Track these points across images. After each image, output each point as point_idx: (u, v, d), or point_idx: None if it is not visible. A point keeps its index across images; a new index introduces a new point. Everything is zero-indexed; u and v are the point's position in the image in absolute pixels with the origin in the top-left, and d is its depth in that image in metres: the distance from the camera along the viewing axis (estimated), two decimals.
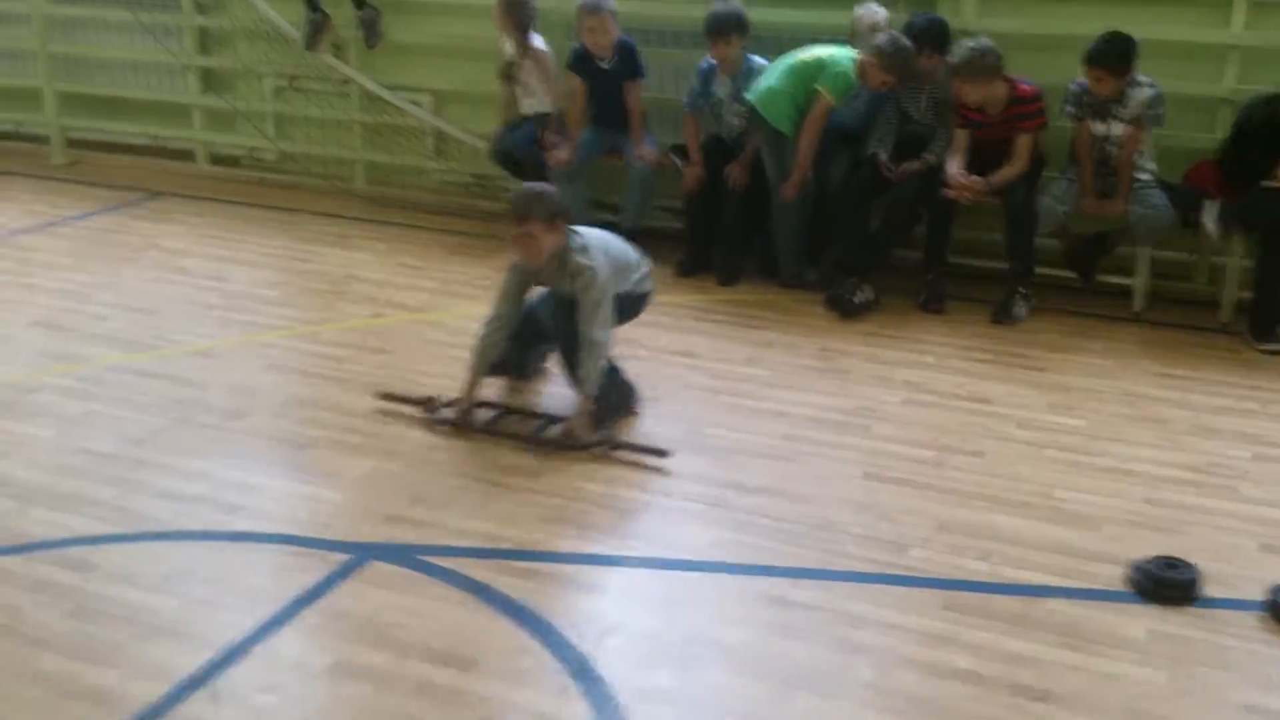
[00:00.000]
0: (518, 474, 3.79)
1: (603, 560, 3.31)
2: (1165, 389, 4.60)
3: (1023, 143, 5.24)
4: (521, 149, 6.09)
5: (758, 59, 5.70)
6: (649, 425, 4.15)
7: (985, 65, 5.10)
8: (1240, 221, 5.05)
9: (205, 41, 7.58)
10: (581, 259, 3.92)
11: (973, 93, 5.15)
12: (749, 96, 5.49)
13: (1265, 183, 5.01)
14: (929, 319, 5.33)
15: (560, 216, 3.93)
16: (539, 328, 4.23)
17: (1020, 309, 5.30)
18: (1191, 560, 3.27)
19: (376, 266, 5.87)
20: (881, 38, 5.26)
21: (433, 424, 4.04)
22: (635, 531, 3.48)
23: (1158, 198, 5.14)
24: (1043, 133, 5.32)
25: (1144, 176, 5.22)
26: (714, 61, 5.72)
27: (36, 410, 4.11)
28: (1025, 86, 5.21)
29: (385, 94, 6.97)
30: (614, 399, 4.14)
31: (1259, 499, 3.75)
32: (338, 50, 7.09)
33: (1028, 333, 5.19)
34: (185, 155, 7.77)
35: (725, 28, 5.57)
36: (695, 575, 3.25)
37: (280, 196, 7.18)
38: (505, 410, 4.17)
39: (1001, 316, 5.27)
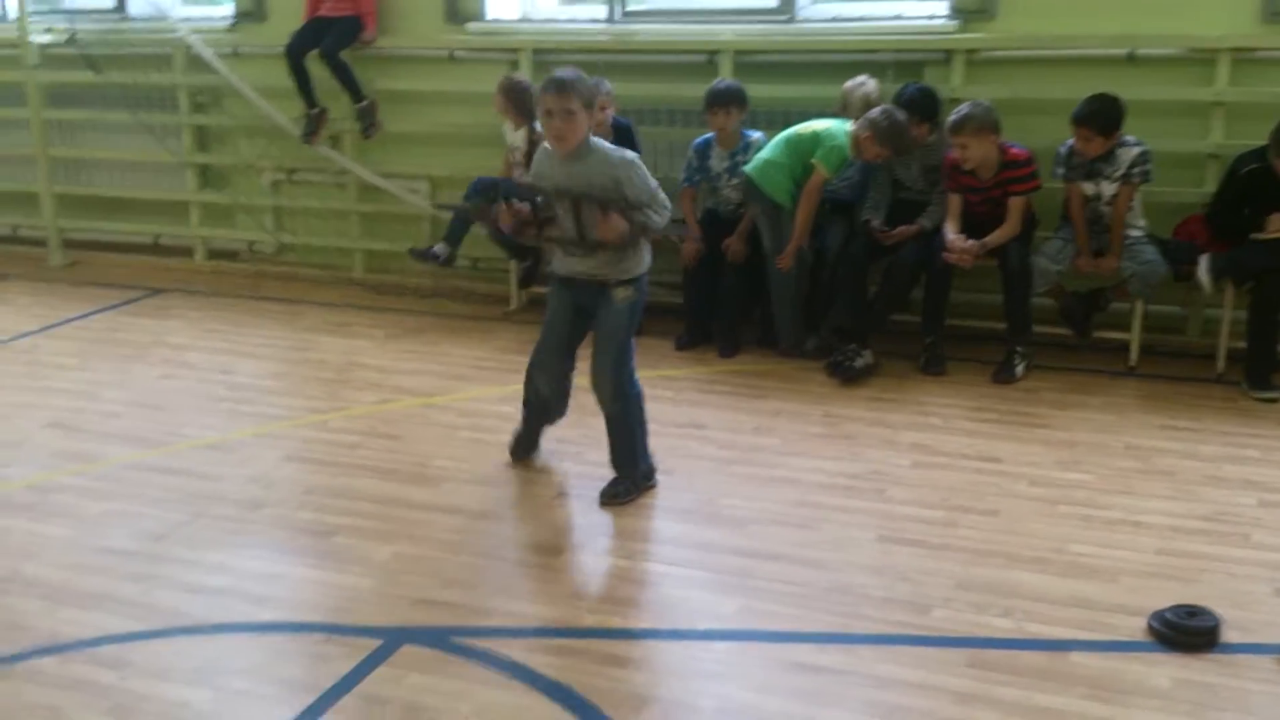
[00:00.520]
0: (542, 552, 3.84)
1: (633, 634, 3.33)
2: (1169, 440, 4.67)
3: (1015, 205, 5.35)
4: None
5: (754, 133, 5.85)
6: (664, 497, 4.20)
7: (988, 121, 5.24)
8: (1231, 273, 5.15)
9: (203, 139, 7.70)
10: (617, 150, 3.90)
11: (975, 149, 5.25)
12: (746, 169, 5.61)
13: (1254, 235, 5.13)
14: (930, 381, 5.41)
15: (595, 105, 3.95)
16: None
17: (1020, 368, 5.39)
18: (1210, 607, 3.31)
19: (379, 353, 5.94)
20: (876, 112, 5.39)
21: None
22: (661, 603, 3.51)
23: (1150, 253, 5.26)
24: (1034, 194, 5.44)
25: (1135, 233, 5.34)
26: (710, 136, 5.86)
27: (55, 510, 4.13)
28: (1016, 150, 5.34)
29: (382, 183, 7.09)
30: (643, 468, 4.22)
31: (1270, 545, 3.80)
32: (335, 142, 7.23)
33: (1028, 391, 5.27)
34: (183, 252, 7.87)
35: (725, 100, 5.71)
36: (723, 645, 3.28)
37: (279, 288, 7.28)
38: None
39: (1002, 376, 5.35)
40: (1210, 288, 5.17)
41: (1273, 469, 4.39)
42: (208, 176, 7.76)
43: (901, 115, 5.41)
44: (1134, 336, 5.50)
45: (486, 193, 6.09)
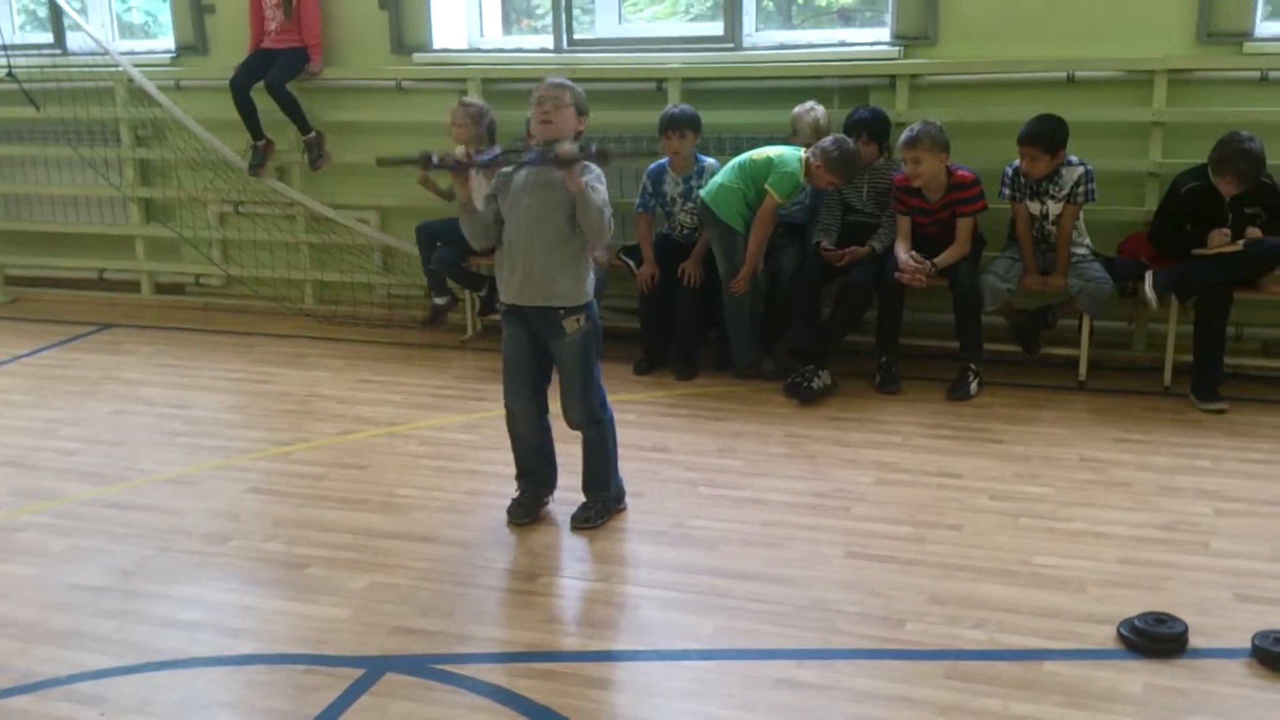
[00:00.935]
0: (518, 578, 3.84)
1: (615, 656, 3.35)
2: (1123, 453, 4.78)
3: (963, 226, 5.47)
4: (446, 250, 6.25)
5: (708, 159, 5.92)
6: (635, 520, 4.23)
7: (941, 139, 5.36)
8: (1176, 288, 5.29)
9: (146, 172, 7.63)
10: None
11: (927, 164, 5.35)
12: (701, 193, 5.68)
13: (1196, 251, 5.28)
14: (886, 400, 5.50)
15: (583, 114, 4.02)
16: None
17: (973, 385, 5.49)
18: (1176, 614, 3.40)
19: (337, 383, 5.91)
20: (827, 141, 5.48)
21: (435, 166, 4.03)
22: (640, 625, 3.53)
23: (1097, 270, 5.39)
24: (981, 215, 5.55)
25: (1081, 251, 5.48)
26: (664, 162, 5.92)
27: (20, 549, 4.07)
28: (963, 172, 5.46)
29: (331, 213, 7.07)
30: (614, 490, 4.25)
31: (1228, 552, 3.91)
32: (282, 173, 7.20)
33: (982, 407, 5.38)
34: (129, 286, 7.80)
35: (680, 124, 5.78)
36: (704, 664, 3.30)
37: (230, 321, 7.23)
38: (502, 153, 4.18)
39: (956, 394, 5.45)
40: (1156, 303, 5.30)
41: (1225, 478, 4.51)
42: (152, 210, 7.69)
43: (851, 144, 5.51)
44: (1082, 352, 5.63)
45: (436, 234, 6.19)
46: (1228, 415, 5.19)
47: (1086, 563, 3.83)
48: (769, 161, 5.52)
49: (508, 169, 4.01)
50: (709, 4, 7.00)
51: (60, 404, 5.65)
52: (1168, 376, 5.56)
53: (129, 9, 8.26)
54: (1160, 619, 3.38)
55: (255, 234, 7.33)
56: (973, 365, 5.54)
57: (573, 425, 4.14)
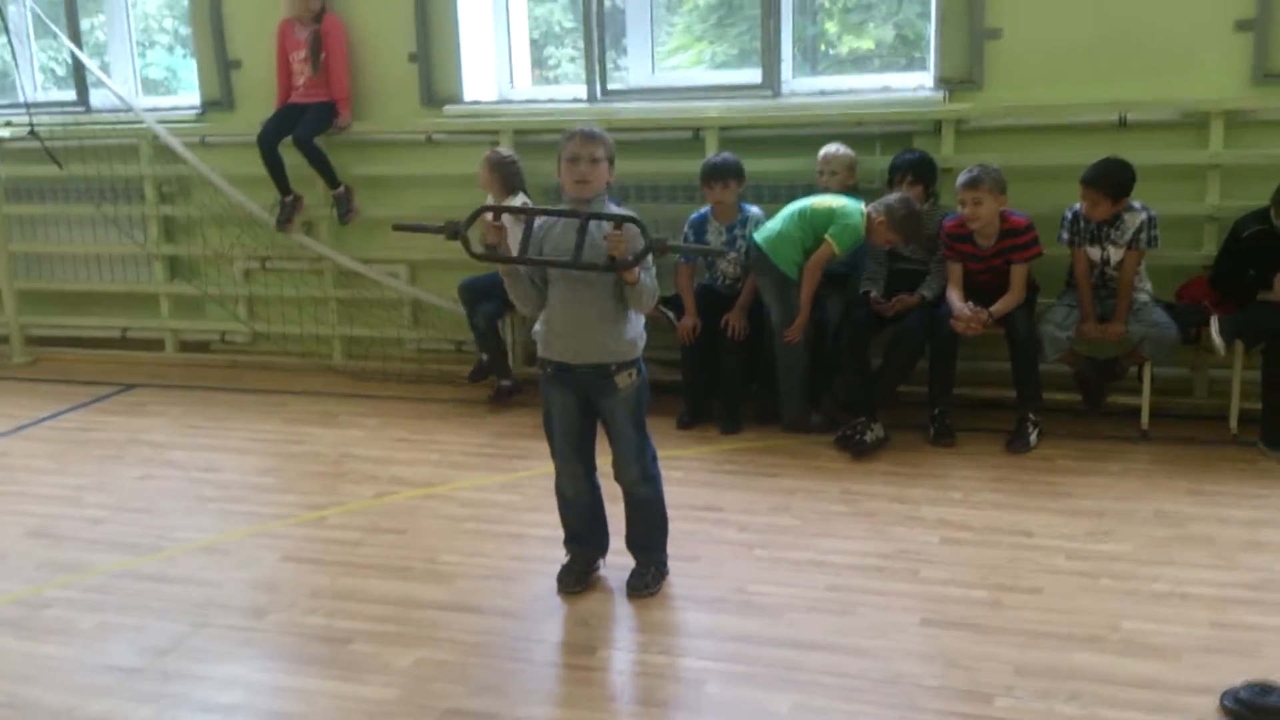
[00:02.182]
0: (573, 651, 3.63)
1: None
2: (1198, 506, 4.57)
3: (1019, 273, 5.28)
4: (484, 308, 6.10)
5: (752, 208, 5.76)
6: (691, 586, 4.02)
7: (1001, 181, 5.21)
8: (1244, 334, 5.10)
9: (170, 229, 7.51)
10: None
11: (988, 205, 5.19)
12: (756, 237, 5.50)
13: (1263, 296, 5.09)
14: (942, 452, 5.30)
15: (613, 164, 3.80)
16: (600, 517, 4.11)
17: (1032, 436, 5.29)
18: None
19: (371, 443, 5.73)
20: (894, 198, 5.33)
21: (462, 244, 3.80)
22: (710, 704, 3.30)
23: (1159, 315, 5.21)
24: (1035, 261, 5.37)
25: (1142, 297, 5.30)
26: (706, 211, 5.77)
27: (48, 627, 3.87)
28: (1017, 218, 5.28)
29: (361, 268, 6.93)
30: (660, 546, 4.08)
31: None
32: (309, 228, 7.07)
33: (1044, 459, 5.17)
34: (153, 345, 7.65)
35: (724, 173, 5.63)
36: None
37: (256, 379, 7.06)
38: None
39: (1016, 445, 5.25)
40: (1224, 349, 5.10)
41: None
42: (176, 267, 7.55)
43: (917, 205, 5.35)
44: (1144, 401, 5.42)
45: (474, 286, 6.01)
46: None
47: (1177, 627, 3.61)
48: (831, 212, 5.36)
49: (538, 226, 3.83)
50: (735, 52, 6.88)
51: (86, 469, 5.48)
52: (1234, 424, 5.36)
53: (148, 64, 8.17)
54: (1266, 689, 3.16)
55: (282, 290, 7.18)
56: (1032, 416, 5.33)
57: (627, 484, 3.95)
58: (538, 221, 3.86)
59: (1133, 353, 5.36)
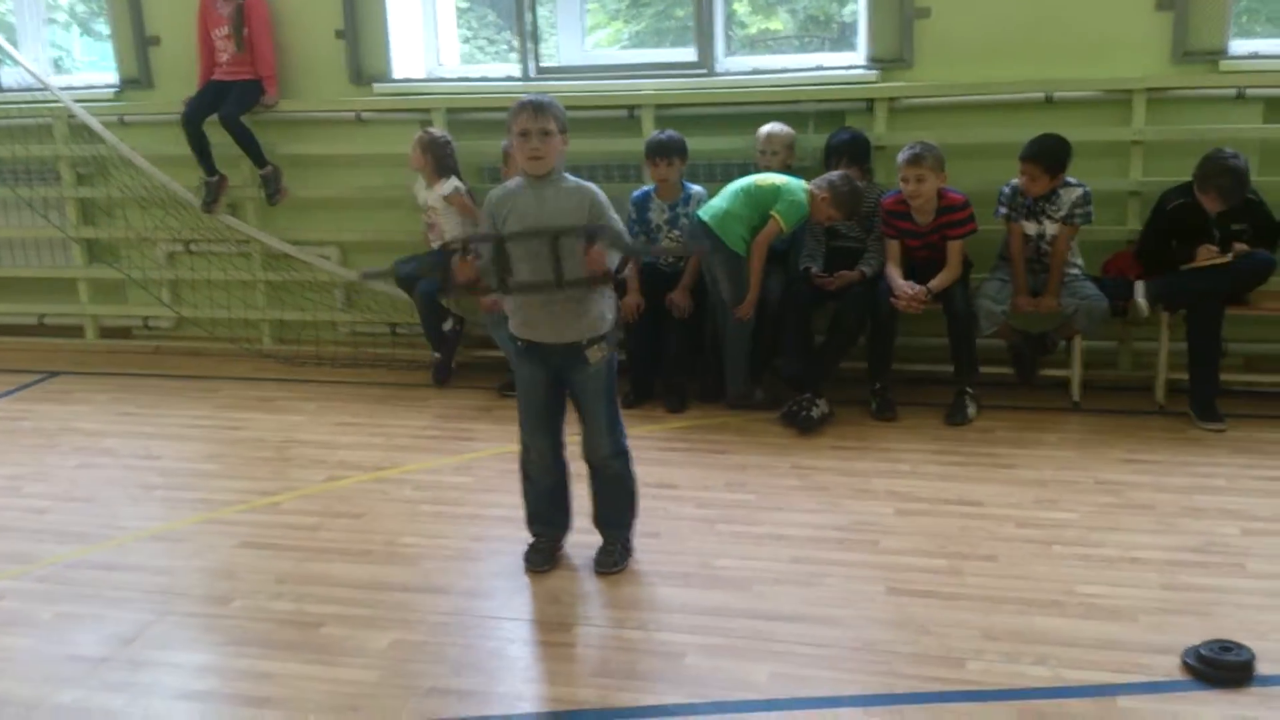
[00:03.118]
0: (548, 629, 3.65)
1: (672, 711, 3.17)
2: (1135, 474, 4.73)
3: (955, 249, 5.40)
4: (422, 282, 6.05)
5: (695, 186, 5.80)
6: (657, 562, 4.06)
7: (941, 159, 5.31)
8: (1166, 297, 5.27)
9: (89, 211, 7.31)
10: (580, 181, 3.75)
11: (930, 182, 5.29)
12: (702, 215, 5.53)
13: (1184, 266, 5.27)
14: (885, 426, 5.41)
15: (567, 133, 3.72)
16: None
17: (970, 409, 5.42)
18: (1238, 641, 3.32)
19: (314, 427, 5.66)
20: (836, 175, 5.42)
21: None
22: (690, 676, 3.35)
23: (1091, 289, 5.37)
24: (971, 236, 5.49)
25: (1074, 271, 5.45)
26: (649, 189, 5.79)
27: (6, 618, 3.77)
28: (953, 194, 5.40)
29: (291, 249, 6.82)
30: (628, 522, 4.11)
31: (1266, 573, 3.85)
32: (235, 210, 6.94)
33: (983, 431, 5.31)
34: (72, 331, 7.45)
35: (668, 151, 5.65)
36: (769, 715, 3.14)
37: (183, 365, 6.93)
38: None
39: (955, 419, 5.38)
40: (1147, 310, 5.28)
41: (1244, 497, 4.48)
42: (95, 251, 7.36)
43: (860, 183, 5.43)
44: (1075, 373, 5.59)
45: (435, 257, 5.91)
46: (1227, 433, 5.18)
47: (1132, 590, 3.75)
48: (776, 189, 5.42)
49: (494, 200, 3.78)
50: (650, 31, 6.89)
51: (20, 459, 5.33)
52: (1160, 395, 5.55)
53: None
54: (1226, 647, 3.30)
55: (209, 273, 7.04)
56: (969, 389, 5.47)
57: (596, 460, 3.96)
58: (495, 196, 3.81)
59: (1065, 325, 5.53)
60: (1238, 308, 5.35)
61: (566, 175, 3.79)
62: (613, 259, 3.64)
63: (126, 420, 5.88)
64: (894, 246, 5.52)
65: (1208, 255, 5.24)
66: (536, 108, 3.63)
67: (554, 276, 3.62)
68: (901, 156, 5.33)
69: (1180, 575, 3.85)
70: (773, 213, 5.37)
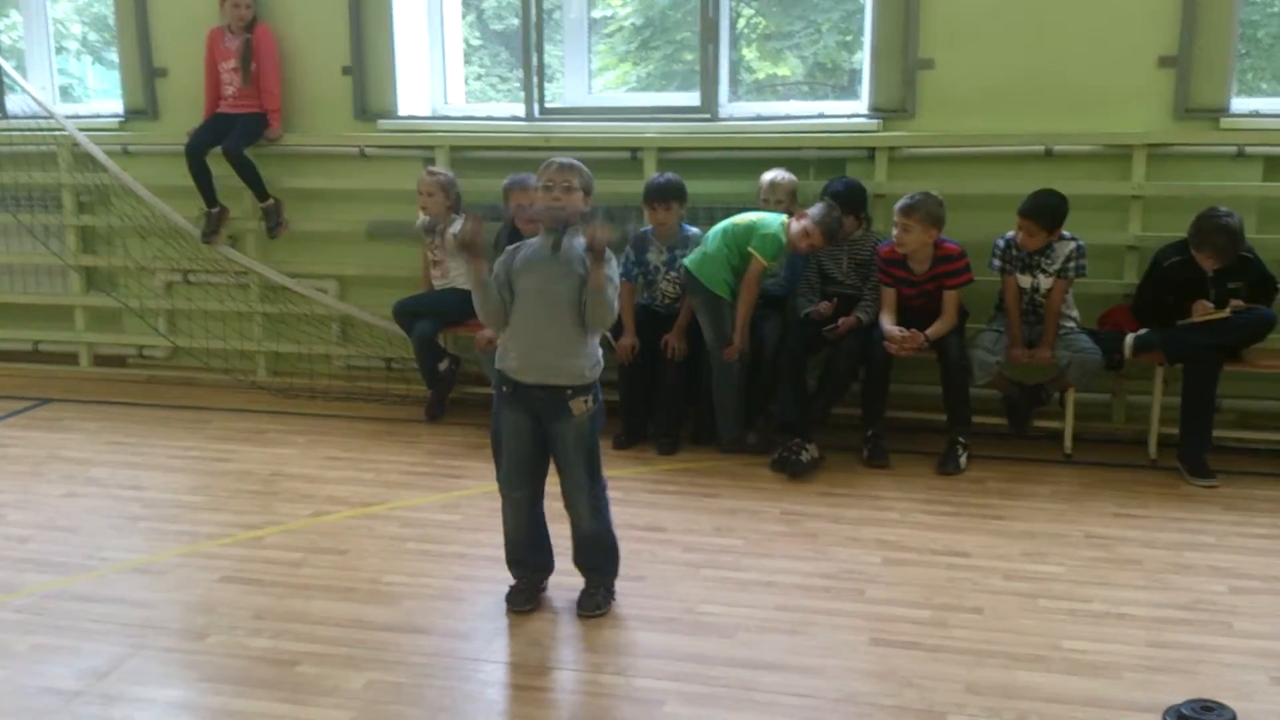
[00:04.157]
0: (527, 673, 3.61)
1: None
2: (1125, 529, 4.70)
3: (951, 298, 5.40)
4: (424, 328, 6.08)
5: (693, 229, 5.81)
6: (640, 606, 4.02)
7: (937, 214, 5.32)
8: (1164, 346, 5.25)
9: (89, 239, 7.32)
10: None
11: (917, 234, 5.30)
12: (685, 262, 5.55)
13: (1180, 323, 5.26)
14: (877, 474, 5.38)
15: (590, 195, 3.87)
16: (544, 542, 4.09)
17: (962, 459, 5.40)
18: (1220, 701, 3.28)
19: (303, 461, 5.64)
20: (815, 206, 5.41)
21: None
22: None
23: (1085, 341, 5.36)
24: (967, 287, 5.49)
25: (1069, 324, 5.44)
26: (647, 230, 5.80)
27: None
28: (950, 245, 5.40)
29: (289, 282, 6.83)
30: (611, 570, 4.06)
31: (1253, 632, 3.81)
32: (235, 241, 6.95)
33: (974, 481, 5.28)
34: (66, 359, 7.45)
35: (666, 194, 5.67)
36: None
37: (176, 394, 6.92)
38: None
39: (947, 468, 5.35)
40: (1131, 353, 5.28)
41: (1233, 554, 4.44)
42: (94, 279, 7.37)
43: (837, 209, 5.43)
44: (1068, 425, 5.57)
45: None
46: (1219, 489, 5.15)
47: (1116, 646, 3.71)
48: (750, 226, 5.45)
49: (512, 247, 3.87)
50: (659, 74, 6.93)
51: (6, 486, 5.31)
52: (1153, 449, 5.52)
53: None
54: (1208, 706, 3.26)
55: (206, 304, 7.06)
56: (961, 438, 5.44)
57: (574, 516, 3.94)
58: (512, 248, 3.89)
59: (1058, 378, 5.51)
60: (1233, 364, 5.33)
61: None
62: (610, 237, 3.68)
63: (115, 449, 5.86)
64: (889, 294, 5.52)
65: (1203, 310, 5.23)
66: (564, 165, 3.84)
67: (551, 248, 3.77)
68: (899, 203, 5.34)
69: (1166, 633, 3.81)
70: (750, 249, 5.38)
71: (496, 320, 3.83)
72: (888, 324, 5.42)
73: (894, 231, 5.36)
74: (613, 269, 3.73)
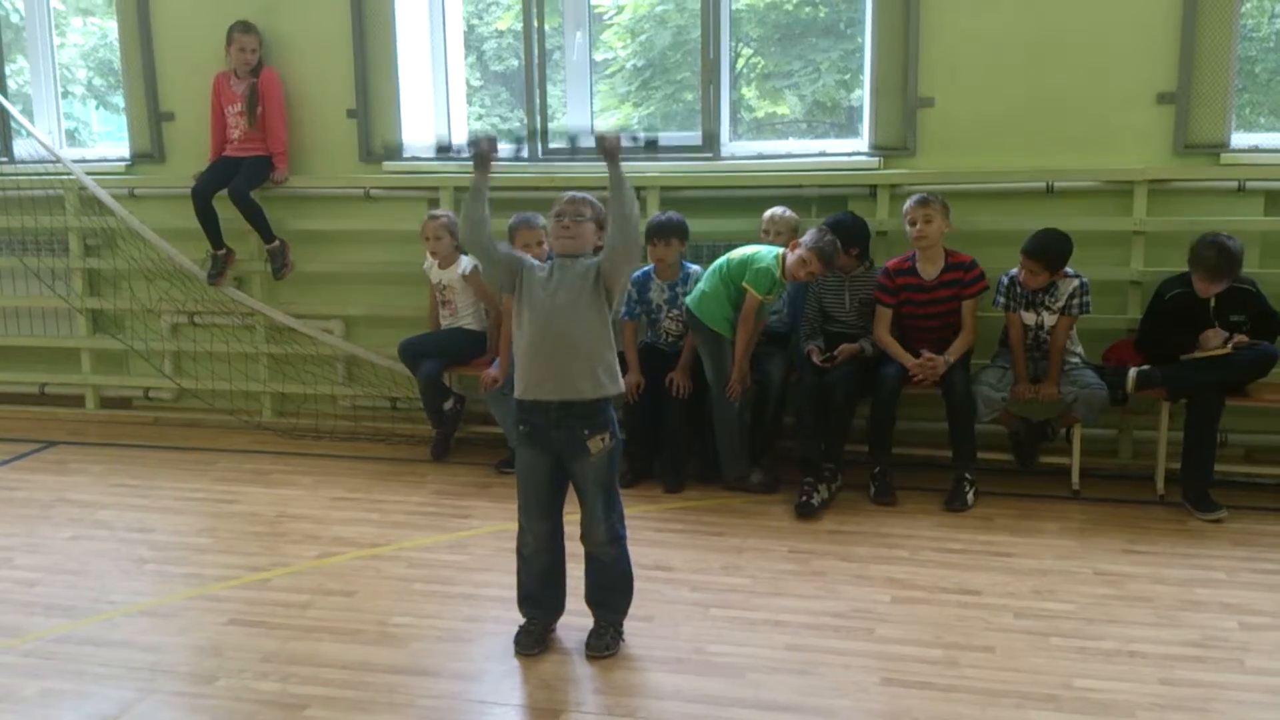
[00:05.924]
0: (540, 715, 3.60)
1: None
2: (1134, 565, 4.69)
3: (968, 308, 5.51)
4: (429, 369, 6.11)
5: (693, 266, 5.83)
6: (650, 646, 4.01)
7: (946, 205, 5.44)
8: (1167, 383, 5.26)
9: (95, 282, 7.35)
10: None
11: (937, 223, 5.42)
12: (686, 302, 5.58)
13: (1184, 357, 5.27)
14: (884, 511, 5.38)
15: (603, 228, 3.92)
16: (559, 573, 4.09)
17: (969, 495, 5.39)
18: None
19: (309, 502, 5.64)
20: (811, 232, 5.43)
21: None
22: None
23: (1091, 377, 5.36)
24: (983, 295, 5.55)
25: (1074, 359, 5.45)
26: (648, 269, 5.82)
27: None
28: (960, 255, 5.44)
29: (295, 324, 6.85)
30: (623, 605, 4.06)
31: (1266, 669, 3.80)
32: (242, 283, 6.98)
33: (982, 519, 5.27)
34: (72, 401, 7.46)
35: (668, 232, 5.70)
36: None
37: (182, 436, 6.93)
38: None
39: (954, 505, 5.35)
40: (1133, 386, 5.28)
41: (1243, 590, 4.43)
42: (100, 321, 7.39)
43: (829, 233, 5.44)
44: (1074, 461, 5.57)
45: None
46: (1227, 524, 5.14)
47: (1129, 684, 3.70)
48: (744, 260, 5.48)
49: (535, 263, 3.92)
50: (660, 115, 6.98)
51: (13, 529, 5.30)
52: (1160, 485, 5.52)
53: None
54: None
55: (211, 345, 7.07)
56: (968, 475, 5.44)
57: (592, 546, 3.95)
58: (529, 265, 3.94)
59: (1064, 414, 5.51)
60: (1237, 399, 5.33)
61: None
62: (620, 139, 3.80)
63: (121, 492, 5.86)
64: (885, 314, 5.54)
65: (1214, 338, 5.22)
66: (575, 197, 3.99)
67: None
68: (909, 202, 5.44)
69: (1178, 670, 3.80)
70: (744, 284, 5.40)
71: (474, 233, 3.85)
72: (894, 345, 5.49)
73: (910, 230, 5.44)
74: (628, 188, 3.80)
